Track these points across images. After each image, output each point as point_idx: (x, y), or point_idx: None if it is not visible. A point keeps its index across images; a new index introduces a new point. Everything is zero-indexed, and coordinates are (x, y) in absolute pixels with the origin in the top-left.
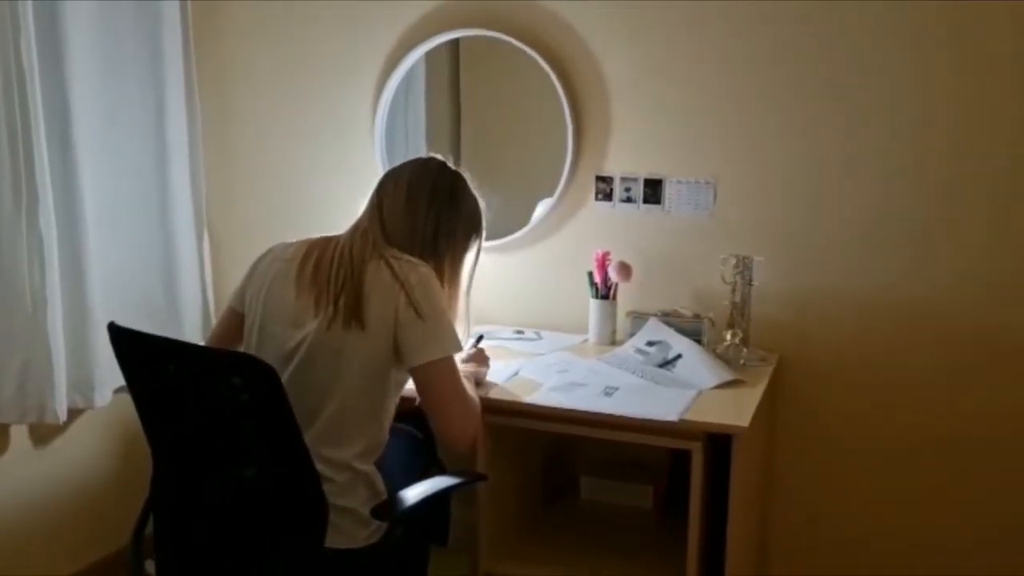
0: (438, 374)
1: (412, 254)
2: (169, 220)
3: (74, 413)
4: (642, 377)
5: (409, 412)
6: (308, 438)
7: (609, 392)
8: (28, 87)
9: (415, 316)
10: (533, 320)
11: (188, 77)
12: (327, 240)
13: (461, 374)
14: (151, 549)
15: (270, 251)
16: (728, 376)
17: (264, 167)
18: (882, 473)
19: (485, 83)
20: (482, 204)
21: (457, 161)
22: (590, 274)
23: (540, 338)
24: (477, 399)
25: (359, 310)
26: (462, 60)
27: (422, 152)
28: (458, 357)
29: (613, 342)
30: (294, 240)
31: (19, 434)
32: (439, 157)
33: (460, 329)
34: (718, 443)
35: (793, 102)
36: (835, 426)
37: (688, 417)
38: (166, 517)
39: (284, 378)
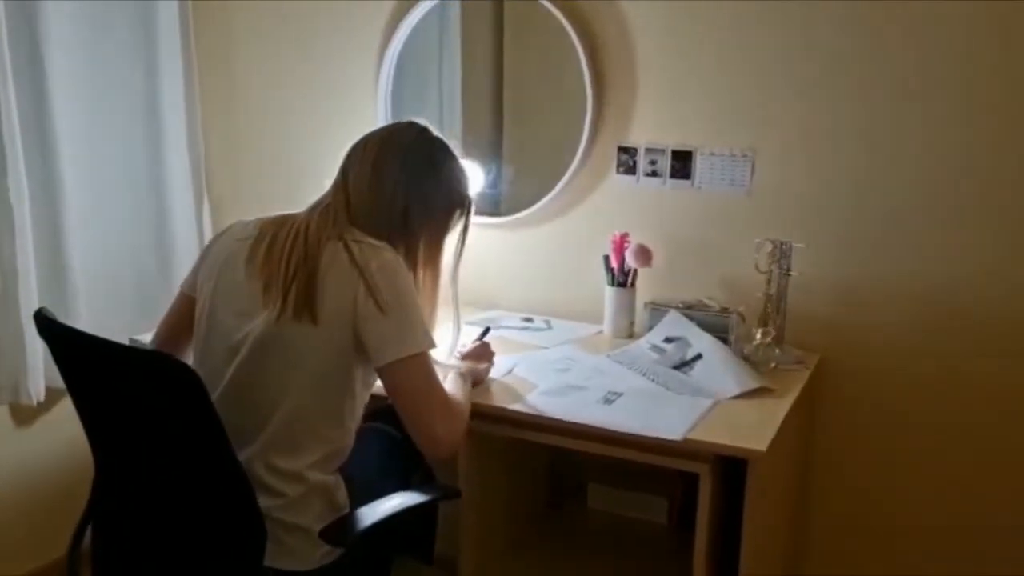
0: (406, 374)
1: (380, 234)
2: (163, 184)
3: (58, 393)
4: (653, 380)
5: (386, 409)
6: (256, 446)
7: (610, 399)
8: None
9: (375, 309)
10: (545, 307)
11: (184, 26)
12: (285, 218)
13: (439, 371)
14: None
15: (227, 230)
16: (752, 384)
17: (269, 123)
18: (935, 491)
19: (529, 49)
20: (468, 175)
21: (499, 130)
22: (606, 258)
23: (549, 328)
24: (465, 401)
25: (311, 300)
26: (506, 26)
27: (456, 116)
28: (441, 353)
29: (631, 335)
30: (255, 217)
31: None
32: (420, 121)
33: (443, 319)
34: (733, 461)
35: (844, 66)
36: (884, 439)
37: (695, 436)
38: (103, 525)
39: (229, 374)
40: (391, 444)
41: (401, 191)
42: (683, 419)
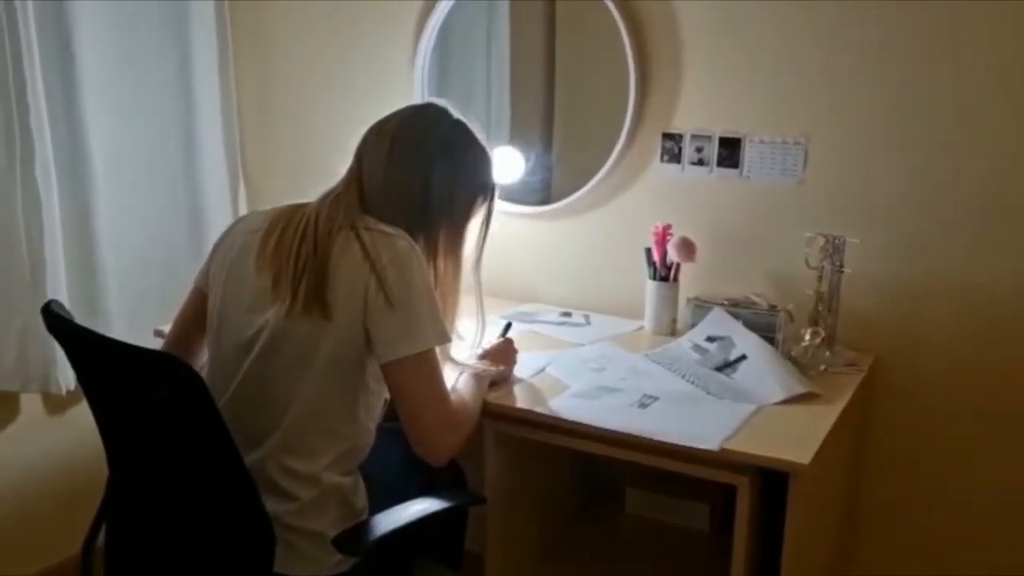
0: (407, 373)
1: (398, 223)
2: (197, 168)
3: None
4: (693, 383)
5: None
6: (269, 445)
7: (645, 403)
8: (18, 9)
9: (384, 303)
10: (585, 301)
11: (218, 9)
12: (296, 209)
13: (453, 369)
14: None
15: (239, 221)
16: (798, 389)
17: (306, 105)
18: (996, 501)
19: (578, 33)
20: (492, 159)
21: (549, 117)
22: (648, 251)
23: (588, 323)
24: (473, 405)
25: (322, 294)
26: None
27: (504, 97)
28: (462, 348)
29: (673, 332)
30: (269, 207)
31: (33, 403)
32: (440, 102)
33: (467, 311)
34: (775, 472)
35: (906, 45)
36: (943, 446)
37: (733, 446)
38: (117, 525)
39: (242, 371)
40: None
41: (419, 179)
42: (721, 426)
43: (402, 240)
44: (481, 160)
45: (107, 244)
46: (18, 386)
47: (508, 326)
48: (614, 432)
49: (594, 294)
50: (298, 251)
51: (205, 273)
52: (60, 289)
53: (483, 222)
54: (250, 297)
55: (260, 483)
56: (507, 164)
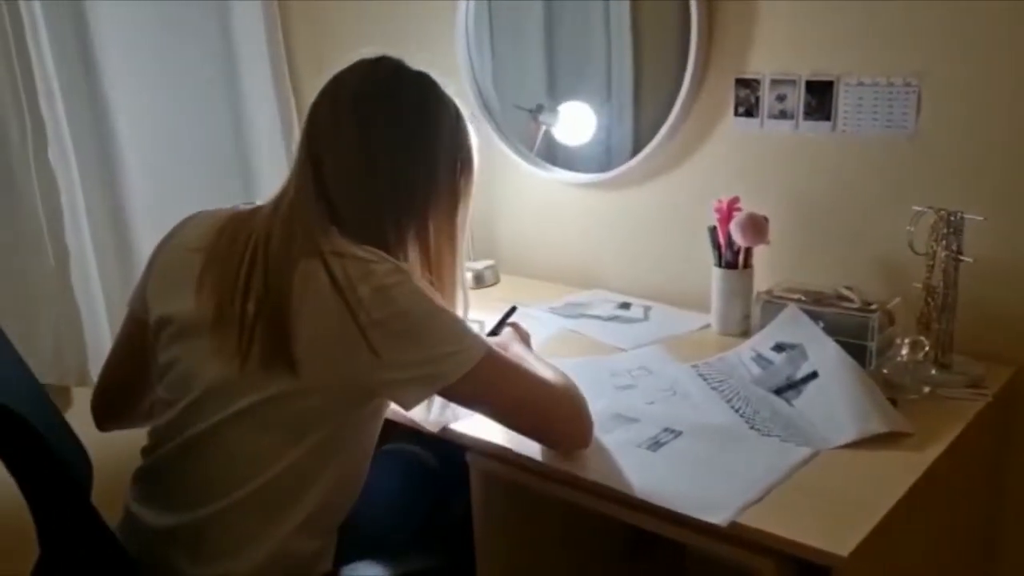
0: (478, 388)
1: (383, 221)
2: (248, 144)
3: None
4: (738, 411)
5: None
6: (216, 507)
7: (661, 441)
8: None
9: (391, 350)
10: (649, 289)
11: None
12: (245, 220)
13: (511, 357)
14: None
15: (178, 229)
16: (876, 426)
17: None
18: None
19: None
20: (462, 109)
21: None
22: (712, 230)
23: (646, 319)
24: (555, 372)
25: (284, 346)
26: None
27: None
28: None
29: (746, 332)
30: (217, 208)
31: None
32: (392, 58)
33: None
34: None
35: None
36: None
37: (750, 519)
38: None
39: (190, 428)
40: (420, 474)
41: (402, 162)
42: (748, 483)
43: (381, 263)
44: (457, 116)
45: (144, 231)
46: (55, 379)
47: (512, 310)
48: (599, 486)
49: (660, 281)
50: (246, 287)
51: (141, 296)
52: (90, 279)
53: (467, 191)
54: (194, 338)
55: (198, 543)
56: (577, 123)
